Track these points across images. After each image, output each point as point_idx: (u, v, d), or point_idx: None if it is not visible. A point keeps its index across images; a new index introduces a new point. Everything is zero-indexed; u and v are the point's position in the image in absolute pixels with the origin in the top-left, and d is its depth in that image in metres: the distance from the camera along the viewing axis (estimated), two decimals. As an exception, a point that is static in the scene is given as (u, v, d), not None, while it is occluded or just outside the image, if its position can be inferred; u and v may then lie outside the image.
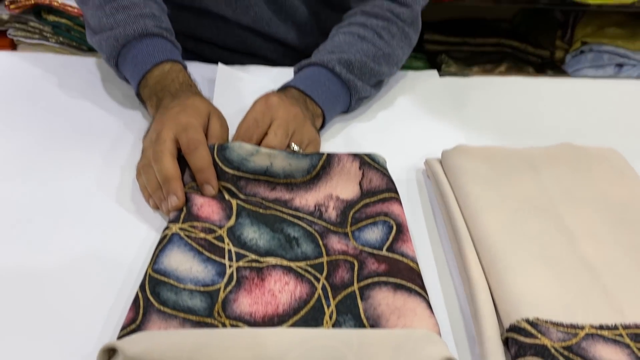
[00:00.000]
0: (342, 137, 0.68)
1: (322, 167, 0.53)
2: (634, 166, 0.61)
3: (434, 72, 0.83)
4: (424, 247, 0.52)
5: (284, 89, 0.66)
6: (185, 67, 0.67)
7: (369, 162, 0.54)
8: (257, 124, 0.56)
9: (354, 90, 0.68)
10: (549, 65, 1.81)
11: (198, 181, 0.52)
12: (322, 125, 0.67)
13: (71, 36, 1.48)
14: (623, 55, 1.80)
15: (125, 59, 0.67)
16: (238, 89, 0.76)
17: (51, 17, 1.45)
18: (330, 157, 0.54)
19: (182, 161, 0.54)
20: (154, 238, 0.51)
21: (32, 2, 1.41)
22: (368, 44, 0.70)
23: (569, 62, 1.84)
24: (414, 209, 0.57)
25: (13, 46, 1.53)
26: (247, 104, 0.65)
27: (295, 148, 0.56)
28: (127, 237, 0.51)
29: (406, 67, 0.81)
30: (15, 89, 0.72)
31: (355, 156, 0.55)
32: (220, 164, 0.52)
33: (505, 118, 0.74)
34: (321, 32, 0.85)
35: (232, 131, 0.61)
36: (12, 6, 1.42)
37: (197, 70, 0.76)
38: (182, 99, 0.59)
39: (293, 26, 0.84)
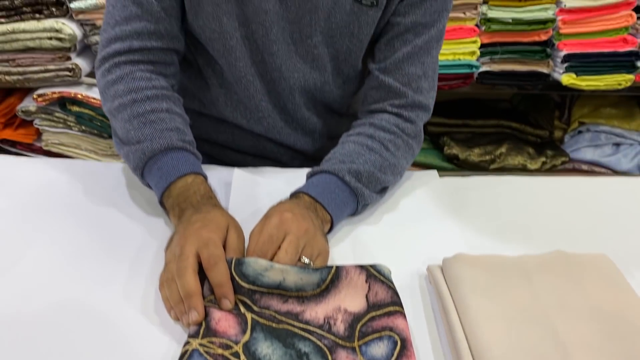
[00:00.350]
0: (349, 242, 0.72)
1: (331, 281, 0.58)
2: (629, 269, 0.65)
3: (434, 173, 0.89)
4: (427, 357, 0.56)
5: (297, 194, 0.72)
6: (205, 178, 0.73)
7: (374, 275, 0.59)
8: (271, 239, 0.61)
9: (361, 198, 0.73)
10: (549, 145, 1.88)
11: (216, 295, 0.56)
12: (330, 229, 0.72)
13: (93, 124, 1.58)
14: (619, 135, 1.88)
15: (151, 170, 0.73)
16: (253, 193, 0.81)
17: (75, 108, 1.55)
18: (338, 270, 0.59)
19: (202, 272, 0.59)
20: (175, 349, 0.55)
21: (58, 95, 1.52)
22: (376, 155, 0.76)
23: (567, 142, 1.91)
24: (417, 315, 0.61)
25: (38, 134, 1.63)
26: (262, 207, 0.70)
27: (306, 261, 0.61)
28: (150, 348, 0.55)
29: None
30: (44, 195, 0.78)
31: (362, 268, 0.59)
32: (237, 278, 0.57)
33: (502, 219, 0.79)
34: (329, 137, 0.92)
35: (247, 233, 0.66)
36: (39, 99, 1.52)
37: (215, 173, 0.83)
38: (204, 213, 0.64)
39: (303, 134, 0.91)
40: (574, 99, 1.98)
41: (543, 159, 1.81)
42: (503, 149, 1.80)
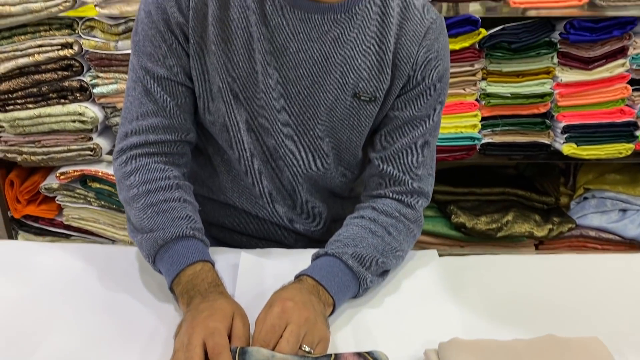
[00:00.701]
0: (350, 326, 0.75)
1: (330, 369, 0.61)
2: (622, 350, 0.67)
3: (434, 252, 0.92)
4: None
5: (300, 277, 0.75)
6: (213, 265, 0.78)
7: (371, 363, 0.61)
8: (273, 329, 0.64)
9: (363, 282, 0.77)
10: (555, 212, 1.89)
11: (220, 383, 0.60)
12: (332, 312, 0.76)
13: (111, 200, 1.65)
14: (625, 201, 1.89)
15: (162, 258, 0.78)
16: (259, 275, 0.85)
17: (95, 185, 1.63)
18: (337, 358, 0.62)
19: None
20: None
21: (80, 172, 1.60)
22: (378, 239, 0.80)
23: (573, 209, 1.93)
24: (414, 401, 0.63)
25: (59, 209, 1.70)
26: (268, 288, 0.74)
27: (307, 349, 0.64)
28: None
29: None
30: (60, 281, 0.82)
31: (360, 356, 0.62)
32: (240, 367, 0.60)
33: (499, 300, 0.81)
34: (332, 219, 0.97)
35: (254, 314, 0.69)
36: (62, 177, 1.60)
37: (223, 255, 0.88)
38: (211, 301, 0.68)
39: (306, 218, 0.96)
40: (578, 165, 2.01)
41: (550, 226, 1.83)
42: (510, 217, 1.82)
